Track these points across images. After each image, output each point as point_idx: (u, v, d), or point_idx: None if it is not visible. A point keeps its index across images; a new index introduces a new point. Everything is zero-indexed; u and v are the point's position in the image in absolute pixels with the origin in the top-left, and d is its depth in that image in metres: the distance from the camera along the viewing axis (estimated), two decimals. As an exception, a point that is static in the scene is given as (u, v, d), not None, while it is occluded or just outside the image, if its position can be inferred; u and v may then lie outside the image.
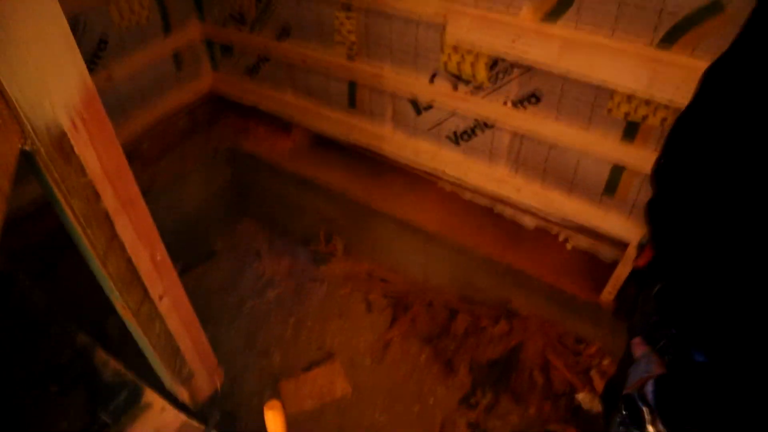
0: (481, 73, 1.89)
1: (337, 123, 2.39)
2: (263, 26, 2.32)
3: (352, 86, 2.25)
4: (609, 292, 1.99)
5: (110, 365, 1.60)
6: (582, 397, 2.04)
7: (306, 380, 2.21)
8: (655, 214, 0.84)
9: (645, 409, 0.75)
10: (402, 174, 2.41)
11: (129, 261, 1.14)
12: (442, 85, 2.00)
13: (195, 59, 2.60)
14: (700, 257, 0.72)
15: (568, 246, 2.18)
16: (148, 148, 2.55)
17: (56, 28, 0.82)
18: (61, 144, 0.89)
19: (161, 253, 1.21)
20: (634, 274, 1.86)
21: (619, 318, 2.01)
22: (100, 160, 0.96)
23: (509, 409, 2.06)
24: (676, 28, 1.48)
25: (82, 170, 0.94)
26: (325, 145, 2.58)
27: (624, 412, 0.79)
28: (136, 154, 2.51)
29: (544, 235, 2.21)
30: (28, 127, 0.84)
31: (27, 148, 0.85)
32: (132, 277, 1.17)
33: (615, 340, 2.10)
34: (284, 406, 2.10)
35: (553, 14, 1.64)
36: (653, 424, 0.74)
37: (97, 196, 0.99)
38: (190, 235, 2.78)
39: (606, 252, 2.07)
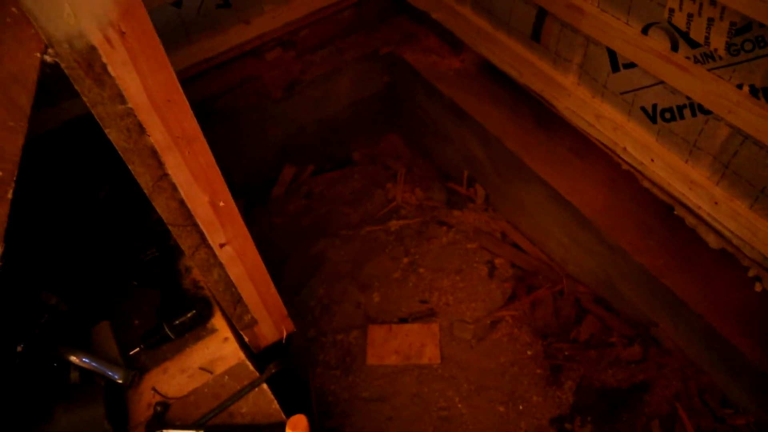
0: (719, 39, 1.34)
1: (513, 56, 1.97)
2: None
3: (541, 14, 1.79)
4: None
5: (192, 273, 1.54)
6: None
7: (398, 333, 2.03)
8: None
9: None
10: (573, 135, 1.96)
11: (182, 203, 0.97)
12: (659, 41, 1.49)
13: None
14: None
15: (757, 287, 1.65)
16: (306, 37, 2.35)
17: None
18: (90, 62, 0.69)
19: (225, 199, 1.03)
20: None
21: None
22: (145, 86, 0.76)
23: (609, 452, 1.72)
24: None
25: (119, 96, 0.75)
26: (496, 76, 2.17)
27: None
28: (292, 42, 2.33)
29: (729, 263, 1.68)
30: (45, 35, 0.65)
31: (49, 59, 0.67)
32: (186, 221, 1.01)
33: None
34: (367, 353, 1.99)
35: None
36: None
37: (140, 128, 0.80)
38: (330, 136, 2.63)
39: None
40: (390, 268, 2.22)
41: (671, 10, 1.41)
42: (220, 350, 1.40)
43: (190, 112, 0.85)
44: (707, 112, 1.47)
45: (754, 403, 1.65)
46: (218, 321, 1.46)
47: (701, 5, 1.34)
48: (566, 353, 1.90)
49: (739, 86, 1.36)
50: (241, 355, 1.40)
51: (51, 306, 1.33)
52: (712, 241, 1.69)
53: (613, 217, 1.84)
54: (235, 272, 1.21)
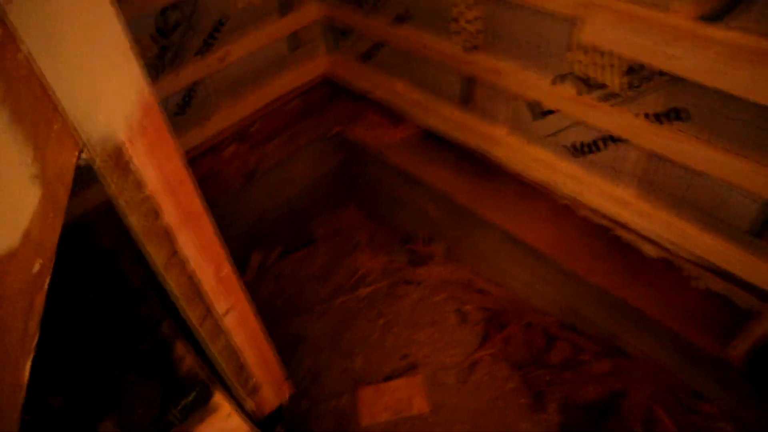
0: (616, 79, 1.61)
1: (448, 120, 2.22)
2: (381, 9, 2.18)
3: (467, 81, 2.06)
4: (740, 348, 1.67)
5: (186, 361, 1.60)
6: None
7: (385, 390, 2.11)
8: None
9: None
10: (513, 181, 2.18)
11: (190, 277, 1.08)
12: (568, 89, 1.75)
13: (311, 41, 2.53)
14: None
15: (697, 285, 1.85)
16: (259, 130, 2.55)
17: (111, 37, 0.75)
18: (118, 157, 0.83)
19: (227, 268, 1.15)
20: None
21: (750, 381, 1.68)
22: (160, 174, 0.90)
23: (603, 462, 1.83)
24: None
25: (139, 185, 0.88)
26: (435, 141, 2.41)
27: None
28: (245, 135, 2.51)
29: (669, 269, 1.89)
30: (83, 138, 0.79)
31: (82, 161, 0.80)
32: (194, 293, 1.12)
33: (741, 405, 1.77)
34: (360, 414, 2.05)
35: (715, 14, 1.34)
36: None
37: (156, 211, 0.93)
38: (292, 218, 2.77)
39: (743, 298, 1.73)
40: (367, 332, 2.32)
41: (575, 63, 1.68)
42: (225, 425, 1.46)
43: (197, 191, 0.99)
44: (619, 140, 1.72)
45: (719, 389, 1.80)
46: (218, 399, 1.52)
47: (597, 56, 1.62)
48: (545, 379, 2.03)
49: (637, 115, 1.62)
50: (246, 427, 1.45)
51: (57, 409, 1.37)
52: (649, 250, 1.91)
53: (563, 247, 2.03)
54: (239, 338, 1.30)
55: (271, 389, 1.52)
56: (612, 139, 1.73)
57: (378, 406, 2.06)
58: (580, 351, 2.06)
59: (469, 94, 2.09)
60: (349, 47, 2.50)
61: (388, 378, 2.16)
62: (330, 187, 2.84)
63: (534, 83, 1.82)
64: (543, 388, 2.01)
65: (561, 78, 1.75)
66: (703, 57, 1.37)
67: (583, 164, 1.88)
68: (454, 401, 2.04)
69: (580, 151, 1.85)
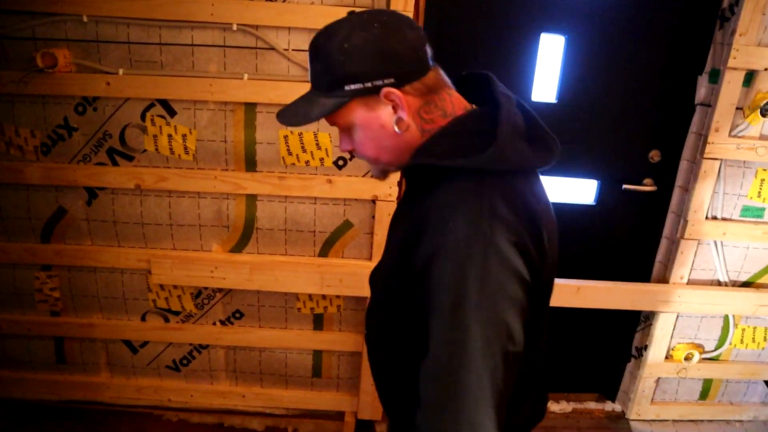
0: (189, 304, 2.20)
1: (44, 384, 2.32)
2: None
3: (59, 341, 2.28)
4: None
5: None
6: None
7: None
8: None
9: None
10: (123, 417, 2.40)
11: None
12: (155, 321, 2.23)
13: None
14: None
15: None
16: None
17: None
18: None
19: None
20: None
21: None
22: None
23: None
24: (327, 242, 2.10)
25: None
26: (24, 414, 2.41)
27: None
28: None
29: (276, 432, 2.46)
30: None
31: None
32: None
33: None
34: None
35: (238, 247, 2.12)
36: None
37: None
38: None
39: (329, 428, 2.41)
40: None
41: (154, 300, 2.19)
42: None
43: None
44: (206, 346, 2.27)
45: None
46: None
47: (170, 291, 2.18)
48: None
49: (214, 323, 2.23)
50: None
51: None
52: (257, 426, 2.43)
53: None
54: None
55: None
56: (201, 347, 2.26)
57: None
58: None
59: (63, 353, 2.29)
60: None
61: None
62: None
63: (126, 325, 2.23)
64: None
65: (147, 314, 2.22)
66: (238, 273, 2.10)
67: (184, 376, 2.32)
68: None
69: (179, 365, 2.30)
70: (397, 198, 2.01)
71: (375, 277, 1.13)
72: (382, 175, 1.06)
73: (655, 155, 2.30)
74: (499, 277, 0.78)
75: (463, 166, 0.84)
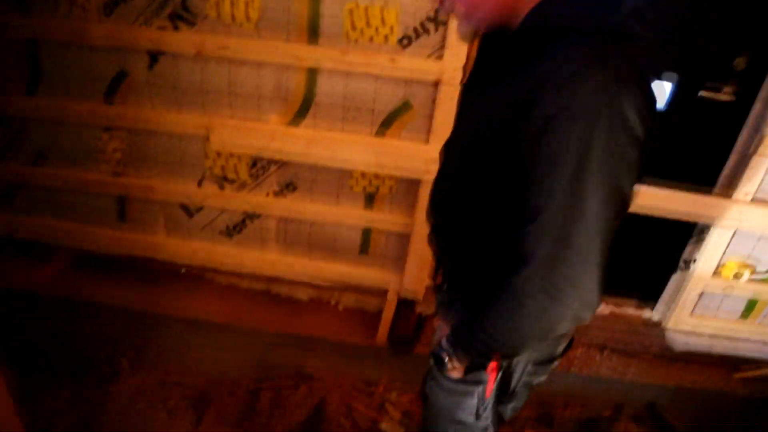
0: (244, 173, 2.24)
1: (108, 239, 2.45)
2: (15, 153, 2.32)
3: (121, 200, 2.38)
4: (382, 334, 2.42)
5: None
6: (385, 426, 2.37)
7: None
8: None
9: (444, 353, 1.14)
10: (178, 277, 2.55)
11: None
12: (210, 187, 2.29)
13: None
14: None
15: (340, 307, 2.58)
16: None
17: None
18: None
19: None
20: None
21: (396, 352, 2.44)
22: None
23: (327, 458, 2.29)
24: (384, 122, 2.07)
25: None
26: (93, 265, 2.58)
27: (432, 362, 1.19)
28: None
29: (319, 303, 2.58)
30: None
31: None
32: None
33: (395, 373, 2.52)
34: None
35: (296, 120, 2.11)
36: (450, 361, 1.13)
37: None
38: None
39: (371, 303, 2.52)
40: None
41: (210, 167, 2.24)
42: None
43: None
44: (258, 216, 2.33)
45: (379, 370, 2.51)
46: None
47: (226, 158, 2.21)
48: (262, 422, 2.37)
49: (267, 194, 2.28)
50: None
51: None
52: (302, 295, 2.55)
53: (238, 314, 2.48)
54: None
55: None
56: (254, 216, 2.33)
57: None
58: (280, 391, 2.50)
59: (125, 211, 2.40)
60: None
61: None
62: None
63: (183, 189, 2.29)
64: (263, 429, 2.35)
65: (204, 180, 2.28)
66: (294, 145, 2.11)
67: (236, 242, 2.41)
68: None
69: (232, 231, 2.39)
70: (461, 81, 1.93)
71: (450, 148, 1.11)
72: (470, 36, 1.00)
73: (740, 62, 2.13)
74: (622, 144, 0.79)
75: (600, 24, 0.80)
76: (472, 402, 1.21)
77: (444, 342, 1.16)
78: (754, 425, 2.56)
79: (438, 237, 1.19)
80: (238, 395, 2.52)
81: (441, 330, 1.28)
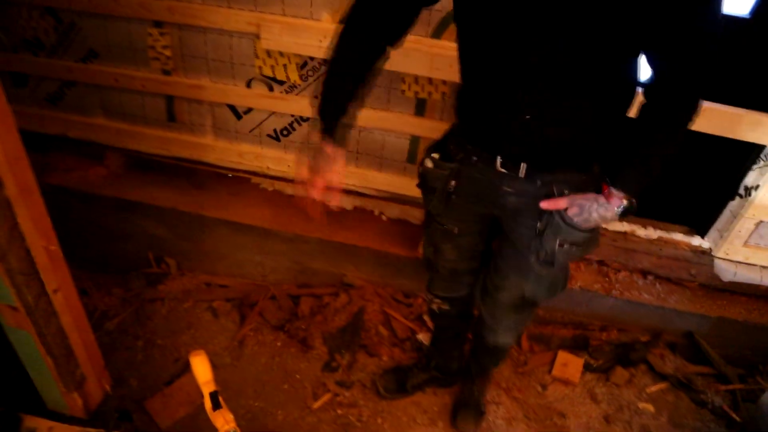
0: (293, 74, 2.20)
1: (157, 140, 2.47)
2: (66, 50, 2.32)
3: (170, 100, 2.38)
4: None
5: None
6: (422, 336, 2.41)
7: (172, 392, 2.19)
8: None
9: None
10: (226, 180, 2.57)
11: (28, 252, 1.15)
12: (259, 89, 2.26)
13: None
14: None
15: (384, 218, 2.57)
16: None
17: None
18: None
19: (54, 243, 1.23)
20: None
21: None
22: (2, 146, 1.00)
23: (366, 362, 2.34)
24: (441, 23, 1.99)
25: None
26: (142, 166, 2.62)
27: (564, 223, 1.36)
28: None
29: (362, 213, 2.58)
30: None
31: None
32: (31, 269, 1.17)
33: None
34: (156, 422, 2.09)
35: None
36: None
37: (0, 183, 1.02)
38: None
39: (415, 215, 2.51)
40: (130, 356, 2.33)
41: (260, 67, 2.20)
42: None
43: (31, 168, 1.08)
44: (307, 119, 2.31)
45: (419, 283, 2.53)
46: (31, 421, 1.45)
47: (276, 59, 2.17)
48: (303, 327, 2.45)
49: (316, 97, 2.23)
50: (76, 429, 1.44)
51: None
52: (347, 204, 2.55)
53: (281, 218, 2.51)
54: (66, 321, 1.32)
55: (95, 380, 1.53)
56: (302, 119, 2.31)
57: (171, 407, 2.13)
58: (321, 298, 2.56)
59: (173, 112, 2.40)
60: (30, 94, 2.50)
61: (170, 383, 2.24)
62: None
63: (232, 90, 2.28)
64: (304, 334, 2.42)
65: (252, 81, 2.25)
66: (347, 46, 2.04)
67: (284, 146, 2.40)
68: (238, 374, 2.27)
69: (280, 135, 2.37)
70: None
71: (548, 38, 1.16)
72: None
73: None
74: None
75: None
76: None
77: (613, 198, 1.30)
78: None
79: (530, 129, 1.27)
80: (279, 299, 2.58)
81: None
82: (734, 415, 2.30)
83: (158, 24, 2.17)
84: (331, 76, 1.40)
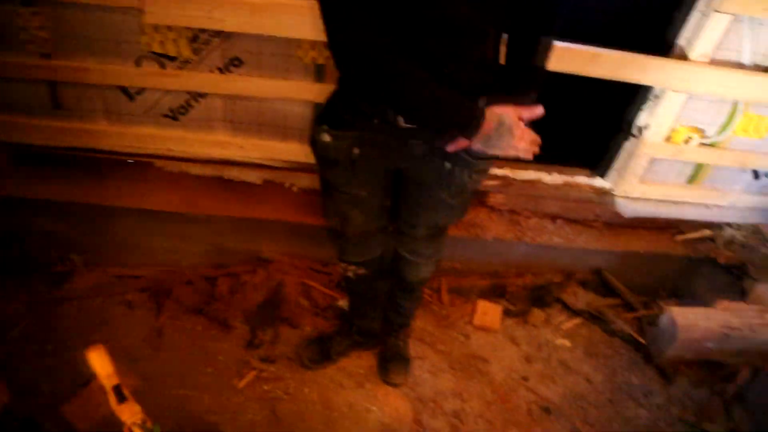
0: (185, 48, 2.11)
1: (44, 130, 2.32)
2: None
3: (53, 86, 2.23)
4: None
5: None
6: (342, 303, 2.43)
7: (89, 394, 2.09)
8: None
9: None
10: (127, 167, 2.46)
11: None
12: (150, 67, 2.16)
13: None
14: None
15: (295, 189, 2.55)
16: None
17: None
18: None
19: None
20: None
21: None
22: None
23: (289, 335, 2.34)
24: (328, -17, 1.96)
25: None
26: (32, 161, 2.45)
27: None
28: None
29: (272, 186, 2.55)
30: None
31: None
32: None
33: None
34: (78, 427, 1.99)
35: (234, -16, 1.97)
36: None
37: None
38: None
39: (328, 185, 2.50)
40: (40, 363, 2.20)
41: (148, 44, 2.10)
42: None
43: None
44: (204, 95, 2.23)
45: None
46: None
47: (164, 33, 2.08)
48: (222, 308, 2.40)
49: (211, 71, 2.17)
50: None
51: None
52: (255, 178, 2.51)
53: (189, 201, 2.43)
54: None
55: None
56: (199, 96, 2.23)
57: (91, 408, 2.03)
58: (238, 276, 2.51)
59: (59, 99, 2.26)
60: None
61: (85, 384, 2.13)
62: None
63: (120, 70, 2.16)
64: (224, 314, 2.37)
65: (142, 59, 2.15)
66: (237, 14, 1.99)
67: (182, 125, 2.32)
68: (159, 365, 2.20)
69: (177, 114, 2.29)
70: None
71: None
72: None
73: None
74: None
75: None
76: None
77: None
78: (690, 282, 2.73)
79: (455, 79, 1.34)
80: (195, 283, 2.52)
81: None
82: (640, 339, 2.47)
83: (27, 3, 2.02)
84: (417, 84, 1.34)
